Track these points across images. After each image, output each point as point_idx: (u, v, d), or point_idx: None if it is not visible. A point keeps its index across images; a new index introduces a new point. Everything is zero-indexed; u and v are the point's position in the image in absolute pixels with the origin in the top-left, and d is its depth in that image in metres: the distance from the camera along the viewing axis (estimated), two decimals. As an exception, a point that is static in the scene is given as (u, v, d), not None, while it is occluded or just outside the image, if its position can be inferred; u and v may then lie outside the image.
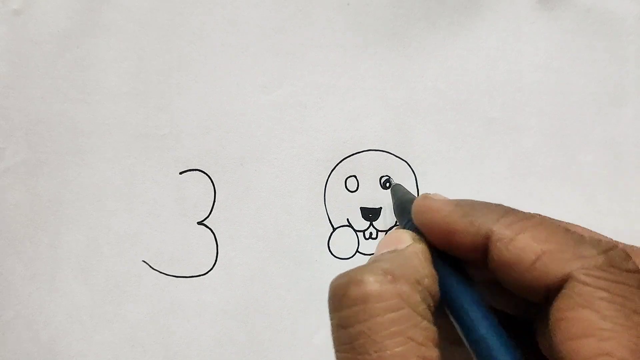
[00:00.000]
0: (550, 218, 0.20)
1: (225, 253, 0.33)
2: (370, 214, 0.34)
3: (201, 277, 0.33)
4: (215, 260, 0.33)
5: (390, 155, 0.34)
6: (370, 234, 0.34)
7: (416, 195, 0.34)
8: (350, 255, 0.34)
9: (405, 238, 0.21)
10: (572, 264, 0.17)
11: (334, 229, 0.34)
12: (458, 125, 0.34)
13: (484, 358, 0.18)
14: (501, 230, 0.19)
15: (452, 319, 0.19)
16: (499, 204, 0.20)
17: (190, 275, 0.33)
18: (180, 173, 0.33)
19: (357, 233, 0.34)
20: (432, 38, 0.34)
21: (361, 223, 0.34)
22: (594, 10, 0.35)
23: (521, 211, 0.20)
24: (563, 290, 0.17)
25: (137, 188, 0.33)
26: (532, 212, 0.20)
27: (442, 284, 0.20)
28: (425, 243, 0.21)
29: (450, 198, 0.22)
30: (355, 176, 0.34)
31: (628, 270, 0.17)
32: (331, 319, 0.19)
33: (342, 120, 0.34)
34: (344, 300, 0.18)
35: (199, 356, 0.33)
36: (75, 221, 0.33)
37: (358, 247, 0.34)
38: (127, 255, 0.33)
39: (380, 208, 0.34)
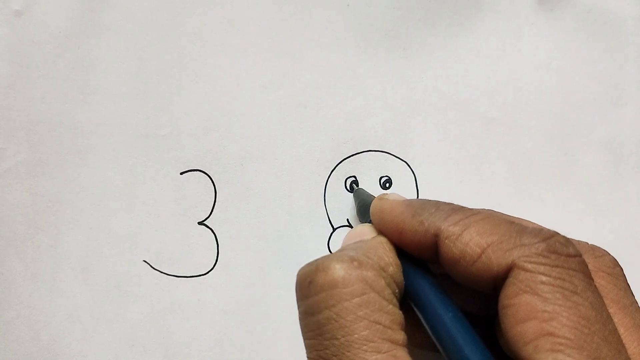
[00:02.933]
0: (496, 212, 0.21)
1: (225, 253, 0.33)
2: (370, 214, 0.34)
3: (201, 277, 0.33)
4: (216, 261, 0.33)
5: (390, 155, 0.34)
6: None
7: (418, 195, 0.34)
8: (350, 255, 0.34)
9: (368, 231, 0.22)
10: (514, 252, 0.18)
11: (334, 229, 0.34)
12: (458, 126, 0.34)
13: (449, 348, 0.18)
14: (448, 228, 0.19)
15: (415, 311, 0.20)
16: (448, 203, 0.21)
17: (191, 275, 0.33)
18: (181, 173, 0.34)
19: (357, 233, 0.34)
20: (432, 38, 0.34)
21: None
22: (594, 10, 0.35)
23: (469, 208, 0.20)
24: (507, 279, 0.18)
25: (137, 188, 0.33)
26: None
27: (406, 277, 0.20)
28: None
29: (405, 198, 0.23)
30: (355, 176, 0.34)
31: (568, 255, 0.18)
32: (298, 307, 0.19)
33: (342, 121, 0.34)
34: (312, 288, 0.18)
35: (199, 356, 0.33)
36: (76, 221, 0.33)
37: (358, 247, 0.34)
38: (128, 255, 0.33)
39: (380, 208, 0.34)
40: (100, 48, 0.33)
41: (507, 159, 0.34)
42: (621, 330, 0.19)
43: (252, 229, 0.33)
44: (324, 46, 0.34)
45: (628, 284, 0.21)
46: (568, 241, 0.18)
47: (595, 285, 0.18)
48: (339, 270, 0.18)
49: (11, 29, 0.33)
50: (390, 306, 0.18)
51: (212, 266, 0.33)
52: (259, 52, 0.34)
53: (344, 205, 0.34)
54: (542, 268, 0.17)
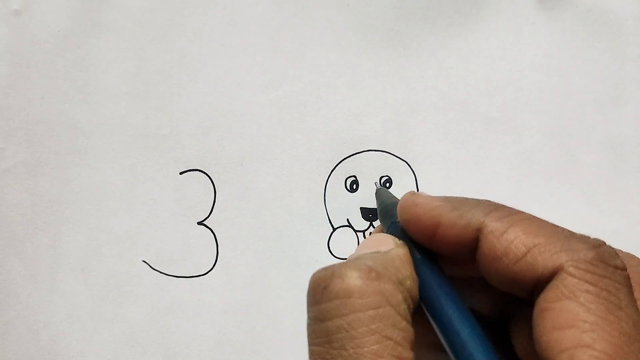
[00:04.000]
0: (538, 217, 0.21)
1: (225, 253, 0.33)
2: (370, 214, 0.34)
3: (201, 277, 0.33)
4: (215, 261, 0.33)
5: (390, 155, 0.34)
6: (370, 234, 0.34)
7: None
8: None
9: (388, 241, 0.21)
10: (562, 256, 0.17)
11: (334, 229, 0.34)
12: (458, 125, 0.34)
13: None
14: (492, 223, 0.19)
15: (432, 322, 0.19)
16: (487, 200, 0.20)
17: (190, 275, 0.33)
18: (181, 173, 0.33)
19: (357, 233, 0.34)
20: (432, 38, 0.34)
21: (361, 223, 0.34)
22: (594, 10, 0.35)
23: (510, 207, 0.20)
24: (551, 282, 0.17)
25: (137, 188, 0.33)
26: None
27: (422, 287, 0.20)
28: (407, 249, 0.21)
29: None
30: (355, 176, 0.34)
31: (616, 267, 0.17)
32: (308, 312, 0.19)
33: (342, 120, 0.34)
34: (325, 293, 0.18)
35: (198, 356, 0.33)
36: (75, 221, 0.33)
37: (358, 247, 0.34)
38: (127, 256, 0.33)
39: (381, 208, 0.34)
40: (99, 48, 0.33)
41: (507, 159, 0.34)
42: None
43: (251, 229, 0.33)
44: (324, 46, 0.34)
45: None
46: (615, 252, 0.18)
47: (636, 302, 0.17)
48: (356, 279, 0.18)
49: (10, 28, 0.33)
50: (404, 322, 0.18)
51: (211, 266, 0.33)
52: (259, 51, 0.34)
53: (344, 205, 0.34)
54: (589, 276, 0.17)
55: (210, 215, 0.33)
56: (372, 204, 0.34)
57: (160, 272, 0.33)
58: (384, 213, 0.28)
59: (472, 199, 0.21)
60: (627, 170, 0.34)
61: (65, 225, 0.33)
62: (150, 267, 0.33)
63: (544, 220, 0.19)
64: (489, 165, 0.34)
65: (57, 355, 0.33)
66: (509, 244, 0.18)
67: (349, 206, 0.34)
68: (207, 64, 0.34)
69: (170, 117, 0.33)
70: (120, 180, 0.33)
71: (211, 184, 0.33)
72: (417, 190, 0.34)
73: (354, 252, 0.22)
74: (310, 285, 0.19)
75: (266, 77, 0.34)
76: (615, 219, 0.34)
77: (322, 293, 0.18)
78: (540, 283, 0.18)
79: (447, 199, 0.21)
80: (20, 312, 0.33)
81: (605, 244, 0.18)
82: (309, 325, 0.19)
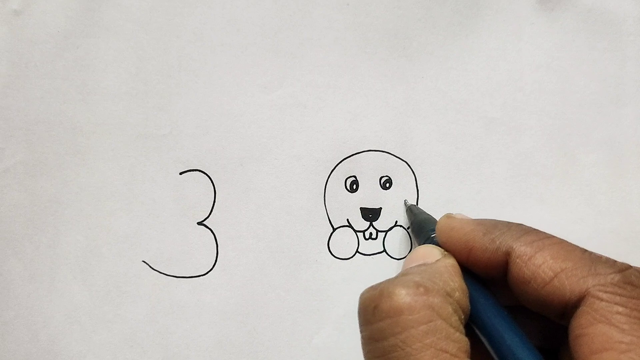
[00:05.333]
0: (567, 241, 0.21)
1: (225, 253, 0.33)
2: (370, 214, 0.34)
3: (201, 277, 0.33)
4: (215, 261, 0.33)
5: (390, 155, 0.34)
6: (370, 234, 0.34)
7: (415, 202, 0.34)
8: (350, 256, 0.34)
9: (434, 253, 0.22)
10: (589, 281, 0.18)
11: (334, 229, 0.34)
12: (458, 126, 0.34)
13: None
14: (521, 248, 0.19)
15: (479, 334, 0.19)
16: (519, 224, 0.21)
17: (190, 275, 0.33)
18: (180, 173, 0.33)
19: (357, 233, 0.34)
20: (432, 38, 0.34)
21: (361, 223, 0.34)
22: (594, 10, 0.35)
23: (541, 231, 0.20)
24: (581, 307, 0.18)
25: (136, 188, 0.33)
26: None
27: (471, 301, 0.20)
28: (454, 259, 0.21)
29: (473, 218, 0.23)
30: (355, 176, 0.34)
31: None
32: (362, 332, 0.19)
33: (342, 120, 0.34)
34: (376, 313, 0.18)
35: (198, 357, 0.33)
36: (75, 221, 0.33)
37: (358, 248, 0.34)
38: (127, 256, 0.33)
39: (380, 208, 0.34)
40: (99, 48, 0.33)
41: (507, 159, 0.34)
42: None
43: (251, 229, 0.33)
44: (324, 46, 0.34)
45: None
46: None
47: None
48: (404, 297, 0.18)
49: (10, 28, 0.33)
50: (457, 333, 0.18)
51: (211, 266, 0.33)
52: (259, 51, 0.34)
53: (344, 205, 0.34)
54: (618, 299, 0.17)
55: (210, 216, 0.33)
56: (372, 204, 0.34)
57: (160, 273, 0.33)
58: (419, 229, 0.28)
59: (504, 222, 0.21)
60: (626, 170, 0.34)
61: (64, 225, 0.33)
62: (150, 267, 0.33)
63: (572, 245, 0.19)
64: (488, 165, 0.34)
65: (57, 355, 0.33)
66: (536, 268, 0.19)
67: (349, 206, 0.34)
68: (207, 64, 0.34)
69: (170, 117, 0.33)
70: (119, 181, 0.33)
71: (211, 184, 0.33)
72: (417, 190, 0.34)
73: (402, 264, 0.22)
74: (360, 305, 0.19)
75: (266, 77, 0.34)
76: (614, 219, 0.34)
77: (372, 313, 0.18)
78: (568, 307, 0.18)
79: (480, 223, 0.21)
80: (20, 313, 0.33)
81: (631, 267, 0.18)
82: (364, 345, 0.19)
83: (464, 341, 0.18)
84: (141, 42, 0.33)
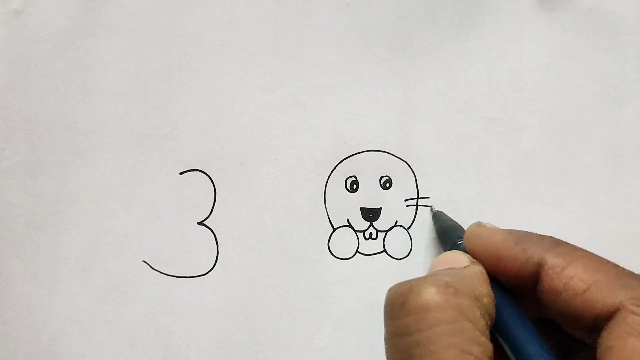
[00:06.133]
0: (598, 255, 0.21)
1: (225, 253, 0.33)
2: (371, 214, 0.34)
3: (201, 277, 0.33)
4: (215, 261, 0.33)
5: (390, 155, 0.34)
6: (370, 234, 0.34)
7: (416, 202, 0.34)
8: (350, 256, 0.34)
9: (462, 259, 0.22)
10: (621, 294, 0.18)
11: (334, 229, 0.34)
12: (458, 126, 0.34)
13: None
14: (553, 259, 0.19)
15: (502, 342, 0.19)
16: (551, 236, 0.21)
17: (190, 275, 0.33)
18: (181, 173, 0.33)
19: (357, 233, 0.34)
20: (432, 38, 0.34)
21: (361, 223, 0.34)
22: (595, 10, 0.35)
23: (572, 244, 0.20)
24: (613, 320, 0.18)
25: (137, 188, 0.33)
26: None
27: (497, 309, 0.20)
28: (482, 267, 0.21)
29: (502, 228, 0.23)
30: (355, 176, 0.34)
31: None
32: (386, 326, 0.19)
33: (342, 120, 0.34)
34: (404, 308, 0.18)
35: (198, 357, 0.33)
36: (75, 221, 0.33)
37: (358, 248, 0.34)
38: (127, 256, 0.33)
39: (380, 208, 0.34)
40: (99, 48, 0.33)
41: (507, 159, 0.34)
42: None
43: (251, 229, 0.33)
44: (324, 46, 0.34)
45: None
46: None
47: None
48: (434, 295, 0.18)
49: (10, 28, 0.33)
50: (483, 338, 0.18)
51: (211, 266, 0.33)
52: (259, 51, 0.34)
53: (344, 205, 0.34)
54: None
55: (210, 215, 0.33)
56: (372, 204, 0.34)
57: (160, 272, 0.33)
58: (445, 236, 0.28)
59: (535, 234, 0.21)
60: (626, 170, 0.34)
61: (64, 225, 0.33)
62: (150, 267, 0.33)
63: (603, 258, 0.19)
64: (488, 166, 0.34)
65: (57, 355, 0.33)
66: (568, 280, 0.19)
67: (349, 206, 0.34)
68: (207, 64, 0.34)
69: (170, 117, 0.33)
70: (120, 180, 0.33)
71: (211, 184, 0.33)
72: (418, 190, 0.34)
73: (428, 269, 0.22)
74: (387, 300, 0.19)
75: (266, 77, 0.34)
76: (614, 219, 0.34)
77: (400, 308, 0.18)
78: (599, 320, 0.18)
79: (510, 233, 0.21)
80: (20, 313, 0.33)
81: None
82: (388, 339, 0.19)
83: (489, 346, 0.18)
84: (141, 42, 0.33)
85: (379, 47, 0.34)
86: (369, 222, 0.34)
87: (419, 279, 0.19)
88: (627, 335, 0.17)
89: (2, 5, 0.33)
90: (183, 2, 0.33)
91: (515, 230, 0.22)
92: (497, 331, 0.20)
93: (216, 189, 0.33)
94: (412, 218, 0.34)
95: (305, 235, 0.33)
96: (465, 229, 0.24)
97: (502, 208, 0.34)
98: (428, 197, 0.34)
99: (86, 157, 0.33)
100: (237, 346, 0.33)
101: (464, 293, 0.18)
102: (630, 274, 0.19)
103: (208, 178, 0.33)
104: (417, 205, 0.34)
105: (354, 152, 0.34)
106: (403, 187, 0.34)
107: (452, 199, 0.34)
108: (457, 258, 0.22)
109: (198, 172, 0.33)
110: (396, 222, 0.34)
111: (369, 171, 0.34)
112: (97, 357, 0.33)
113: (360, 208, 0.34)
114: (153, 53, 0.33)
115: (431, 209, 0.34)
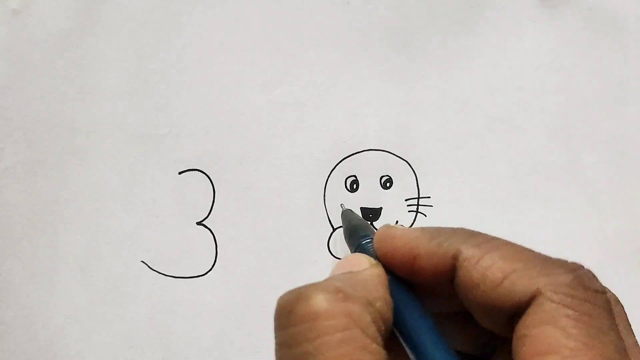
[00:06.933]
0: (516, 243, 0.20)
1: (224, 253, 0.33)
2: (371, 214, 0.33)
3: (200, 277, 0.33)
4: (215, 261, 0.33)
5: (390, 155, 0.34)
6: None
7: (416, 202, 0.34)
8: (351, 256, 0.33)
9: (362, 261, 0.20)
10: (540, 280, 0.17)
11: (334, 229, 0.33)
12: (459, 125, 0.34)
13: None
14: (469, 250, 0.18)
15: (405, 346, 0.19)
16: (464, 228, 0.20)
17: (190, 275, 0.33)
18: (180, 173, 0.33)
19: (358, 233, 0.33)
20: (433, 37, 0.34)
21: (361, 223, 0.33)
22: (596, 9, 0.34)
23: (487, 234, 0.19)
24: (529, 308, 0.17)
25: (136, 188, 0.33)
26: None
27: (397, 311, 0.19)
28: (382, 269, 0.20)
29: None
30: (355, 176, 0.34)
31: (596, 291, 0.17)
32: (275, 337, 0.18)
33: (342, 120, 0.34)
34: (291, 318, 0.17)
35: (198, 357, 0.33)
36: (74, 221, 0.33)
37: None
38: (126, 256, 0.33)
39: (381, 208, 0.33)
40: (98, 47, 0.33)
41: (509, 158, 0.34)
42: None
43: (251, 229, 0.33)
44: (324, 45, 0.34)
45: (629, 323, 0.20)
46: (594, 276, 0.18)
47: (617, 326, 0.17)
48: (322, 302, 0.17)
49: (9, 28, 0.33)
50: (374, 345, 0.17)
51: (210, 266, 0.33)
52: (259, 51, 0.34)
53: (344, 205, 0.33)
54: (569, 300, 0.16)
55: (210, 216, 0.33)
56: (372, 203, 0.33)
57: (159, 273, 0.33)
58: (350, 235, 0.27)
59: (449, 228, 0.20)
60: (630, 170, 0.34)
61: (64, 225, 0.33)
62: (149, 267, 0.33)
63: (520, 246, 0.19)
64: (490, 165, 0.34)
65: (56, 355, 0.33)
66: (485, 270, 0.18)
67: (349, 206, 0.33)
68: (207, 64, 0.33)
69: (169, 116, 0.33)
70: (119, 180, 0.33)
71: (210, 183, 0.33)
72: (418, 190, 0.34)
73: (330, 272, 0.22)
74: (276, 309, 0.18)
75: (266, 77, 0.34)
76: (618, 218, 0.34)
77: (287, 317, 0.17)
78: (519, 310, 0.17)
79: (424, 230, 0.20)
80: (19, 313, 0.33)
81: (583, 267, 0.18)
82: (277, 351, 0.18)
83: (381, 354, 0.17)
84: (141, 41, 0.33)
85: (380, 46, 0.34)
86: (369, 222, 0.33)
87: (309, 285, 0.18)
88: (541, 323, 0.16)
89: (1, 4, 0.33)
90: (183, 1, 0.33)
91: (427, 227, 0.21)
92: (399, 334, 0.19)
93: (215, 189, 0.33)
94: (413, 218, 0.34)
95: (304, 235, 0.33)
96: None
97: (504, 207, 0.34)
98: (429, 197, 0.34)
99: (85, 157, 0.33)
100: (236, 346, 0.33)
101: (354, 298, 0.17)
102: (549, 259, 0.18)
103: (207, 178, 0.33)
104: (418, 205, 0.34)
105: (354, 152, 0.34)
106: (404, 186, 0.34)
107: (453, 198, 0.34)
108: (357, 261, 0.20)
109: (197, 171, 0.33)
110: (397, 222, 0.33)
111: (369, 171, 0.34)
112: (97, 357, 0.33)
113: (361, 208, 0.33)
114: (152, 53, 0.33)
115: (341, 207, 0.33)
